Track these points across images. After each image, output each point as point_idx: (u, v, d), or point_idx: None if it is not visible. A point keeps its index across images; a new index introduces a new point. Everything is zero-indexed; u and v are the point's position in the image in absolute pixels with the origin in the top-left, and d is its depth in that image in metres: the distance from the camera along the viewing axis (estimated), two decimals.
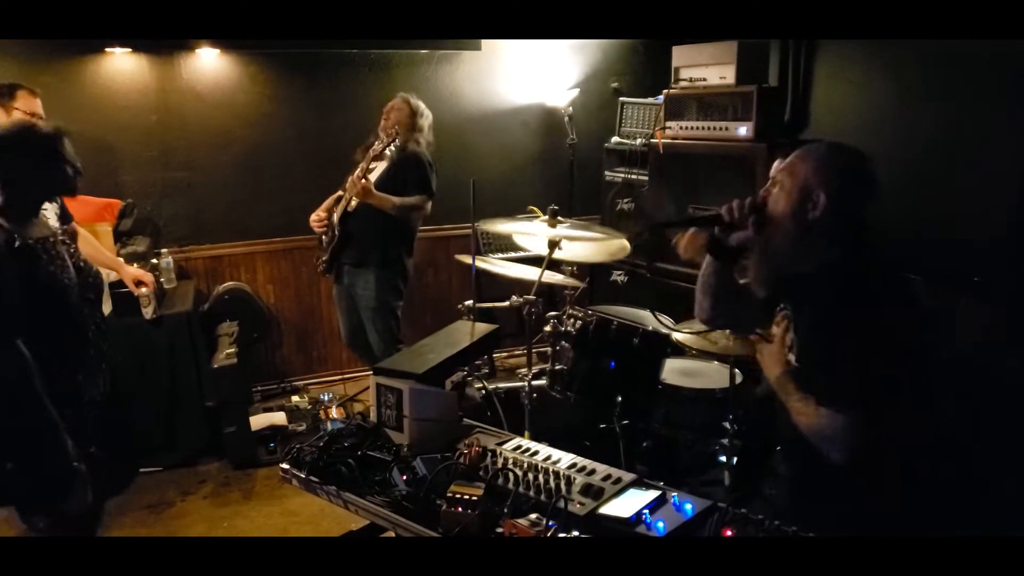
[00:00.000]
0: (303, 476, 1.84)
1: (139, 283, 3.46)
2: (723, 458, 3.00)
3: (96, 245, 3.27)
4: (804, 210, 1.73)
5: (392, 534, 1.80)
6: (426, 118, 3.75)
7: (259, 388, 4.42)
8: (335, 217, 3.69)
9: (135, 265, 3.59)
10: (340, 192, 3.78)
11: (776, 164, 1.89)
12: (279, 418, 4.01)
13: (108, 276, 3.38)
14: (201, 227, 4.31)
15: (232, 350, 3.82)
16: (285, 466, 1.90)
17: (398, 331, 3.81)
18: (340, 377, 4.64)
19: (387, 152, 3.59)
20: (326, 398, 4.19)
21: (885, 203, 1.77)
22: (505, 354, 4.63)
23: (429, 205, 3.72)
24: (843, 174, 1.75)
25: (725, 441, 2.88)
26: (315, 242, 4.06)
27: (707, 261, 2.04)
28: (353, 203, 3.59)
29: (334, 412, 3.73)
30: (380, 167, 3.65)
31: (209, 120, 4.22)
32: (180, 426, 3.71)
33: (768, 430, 2.82)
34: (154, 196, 4.20)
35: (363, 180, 3.48)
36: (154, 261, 3.94)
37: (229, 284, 4.34)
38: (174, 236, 4.24)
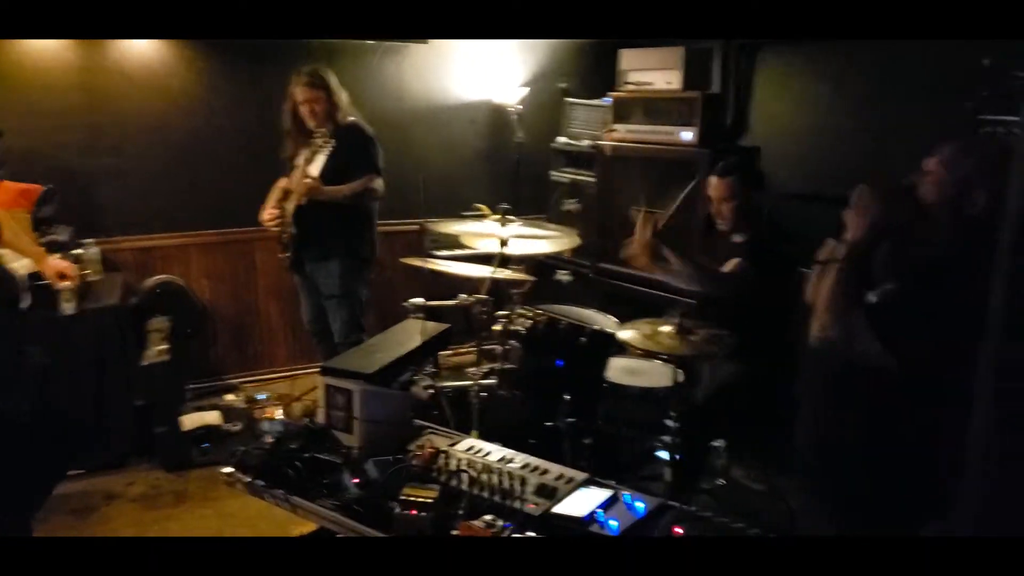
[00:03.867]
0: (248, 480, 1.78)
1: (61, 276, 3.28)
2: (664, 455, 3.05)
3: (16, 231, 3.09)
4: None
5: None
6: (341, 90, 3.63)
7: (192, 386, 4.24)
8: (288, 213, 3.58)
9: (56, 255, 3.41)
10: (283, 182, 3.69)
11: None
12: (213, 417, 3.86)
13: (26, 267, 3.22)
14: (131, 216, 4.11)
15: (163, 347, 3.68)
16: (229, 469, 1.83)
17: (362, 320, 3.76)
18: (278, 376, 4.51)
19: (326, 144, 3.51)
20: (263, 397, 4.11)
21: (818, 207, 1.83)
22: (450, 352, 4.59)
23: (381, 183, 3.63)
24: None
25: (667, 438, 2.93)
26: (252, 236, 3.96)
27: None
28: (303, 200, 3.50)
29: (274, 413, 3.65)
30: (322, 155, 3.54)
31: (141, 105, 4.03)
32: (108, 426, 3.53)
33: (710, 430, 2.89)
34: (80, 182, 3.98)
35: (307, 180, 3.41)
36: (79, 252, 3.74)
37: (161, 277, 4.16)
38: (101, 225, 4.04)
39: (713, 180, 3.01)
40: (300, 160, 3.62)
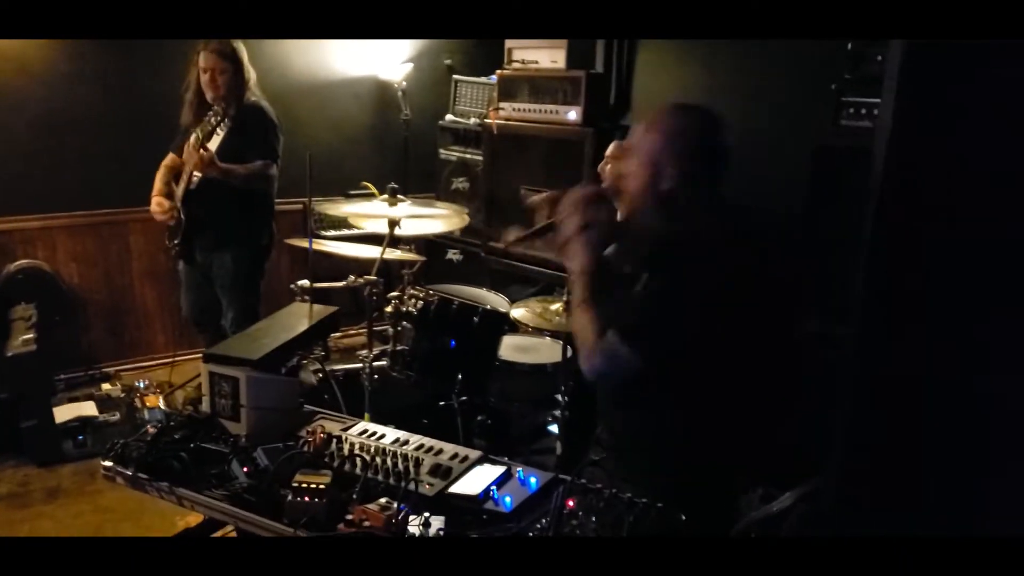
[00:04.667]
0: (129, 473, 1.72)
1: None
2: (554, 428, 3.16)
3: None
4: (656, 183, 1.72)
5: (231, 529, 1.72)
6: (251, 68, 3.45)
7: (63, 377, 4.00)
8: (177, 198, 3.36)
9: None
10: (168, 161, 3.47)
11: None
12: (88, 408, 3.66)
13: None
14: None
15: (29, 336, 3.46)
16: (108, 463, 1.76)
17: (259, 309, 3.58)
18: (157, 362, 4.32)
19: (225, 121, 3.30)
20: (142, 385, 3.93)
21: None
22: (339, 334, 4.53)
23: (275, 170, 3.44)
24: (691, 140, 1.73)
25: (556, 413, 3.03)
26: (125, 217, 3.74)
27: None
28: (195, 179, 3.29)
29: (156, 401, 3.51)
30: (218, 133, 3.33)
31: None
32: None
33: (593, 403, 3.00)
34: None
35: (202, 150, 3.16)
36: None
37: (23, 262, 3.89)
38: None
39: (613, 143, 3.07)
40: (191, 137, 3.43)
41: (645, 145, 1.76)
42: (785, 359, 1.98)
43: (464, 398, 2.90)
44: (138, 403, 3.73)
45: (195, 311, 3.70)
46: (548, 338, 3.29)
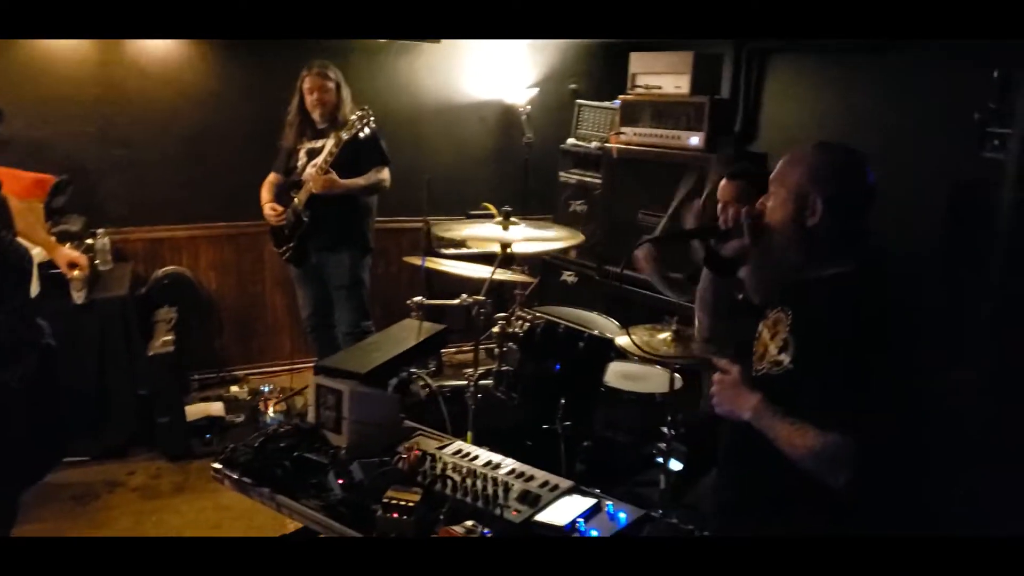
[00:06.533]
0: (235, 477, 1.79)
1: (72, 265, 3.33)
2: (660, 460, 3.04)
3: (31, 222, 3.12)
4: (801, 217, 1.66)
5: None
6: (347, 86, 3.70)
7: (197, 377, 4.29)
8: (299, 205, 3.63)
9: (68, 245, 3.45)
10: (272, 178, 3.76)
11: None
12: (216, 408, 3.91)
13: (38, 255, 3.25)
14: (141, 208, 4.15)
15: (169, 337, 3.71)
16: (217, 465, 1.85)
17: (368, 308, 3.84)
18: (281, 368, 4.54)
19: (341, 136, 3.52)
20: (266, 389, 4.13)
21: None
22: (454, 350, 4.61)
23: (388, 173, 3.71)
24: (837, 176, 1.66)
25: (662, 445, 2.93)
26: (260, 229, 3.97)
27: (704, 276, 1.98)
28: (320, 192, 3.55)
29: (273, 406, 3.67)
30: (326, 147, 3.55)
31: (152, 97, 4.07)
32: (110, 415, 3.57)
33: (708, 447, 2.86)
34: (91, 173, 4.03)
35: (326, 176, 3.47)
36: (89, 242, 3.79)
37: (169, 268, 4.21)
38: (112, 216, 4.08)
39: (723, 182, 2.98)
40: (302, 154, 3.66)
41: (793, 178, 1.69)
42: (929, 410, 1.81)
43: (567, 423, 2.86)
44: (261, 407, 3.92)
45: (311, 311, 3.91)
46: (659, 367, 3.19)
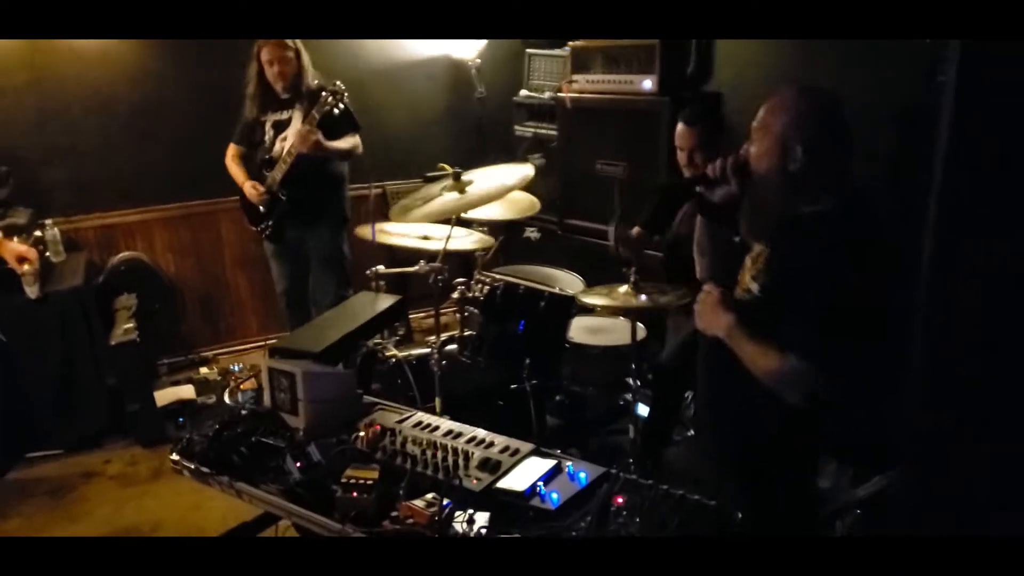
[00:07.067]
0: (193, 467, 1.79)
1: (21, 259, 3.25)
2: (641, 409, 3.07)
3: None
4: (784, 163, 1.74)
5: (288, 523, 1.77)
6: (306, 53, 3.57)
7: (165, 361, 4.25)
8: (275, 181, 3.52)
9: (15, 239, 3.37)
10: (232, 151, 3.65)
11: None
12: (187, 391, 3.88)
13: None
14: (88, 194, 4.04)
15: (130, 325, 3.67)
16: (175, 457, 1.84)
17: (350, 277, 3.78)
18: (252, 346, 4.52)
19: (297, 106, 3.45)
20: (236, 368, 4.11)
21: None
22: (423, 314, 4.59)
23: (359, 140, 3.63)
24: (817, 122, 1.74)
25: (628, 396, 2.96)
26: (215, 208, 3.90)
27: (698, 223, 2.03)
28: (288, 163, 3.44)
29: (250, 384, 3.65)
30: (296, 119, 3.47)
31: (89, 78, 3.93)
32: (79, 407, 3.54)
33: (677, 385, 2.90)
34: (32, 162, 3.90)
35: (313, 136, 3.34)
36: (38, 233, 3.70)
37: (125, 254, 4.13)
38: (59, 205, 3.98)
39: (680, 128, 2.94)
40: (268, 127, 3.56)
41: (775, 127, 1.76)
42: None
43: (535, 382, 2.87)
44: (231, 386, 3.90)
45: (290, 284, 3.84)
46: (622, 319, 3.20)
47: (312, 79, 3.51)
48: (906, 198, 2.72)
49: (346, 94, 3.40)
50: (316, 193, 3.58)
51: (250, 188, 3.57)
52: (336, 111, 3.37)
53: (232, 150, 3.68)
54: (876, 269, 1.70)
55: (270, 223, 3.63)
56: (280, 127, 3.53)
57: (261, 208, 3.60)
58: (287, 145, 3.44)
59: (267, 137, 3.56)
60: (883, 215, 1.82)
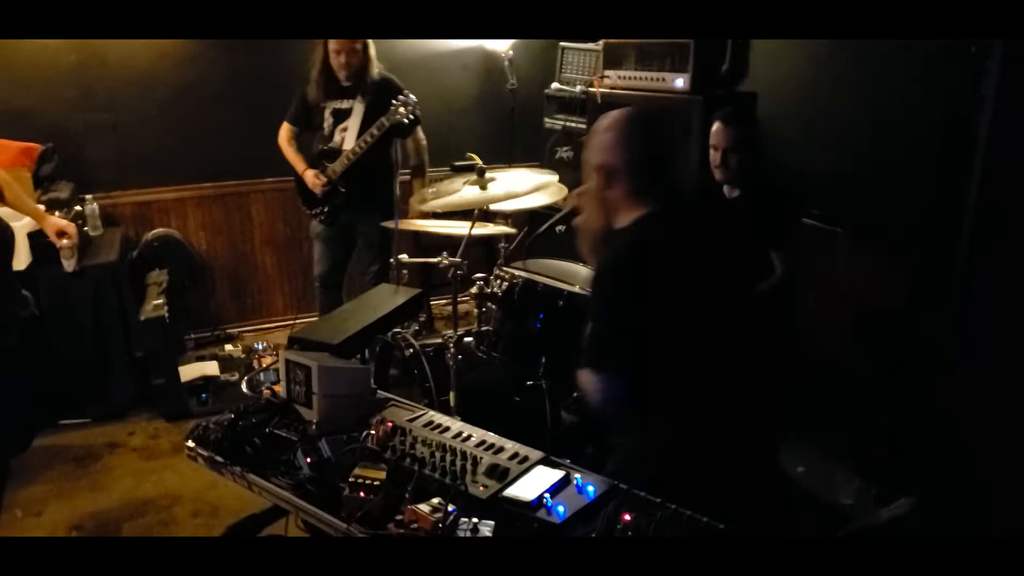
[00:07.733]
0: (207, 455, 1.83)
1: (61, 234, 3.33)
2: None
3: (18, 192, 3.11)
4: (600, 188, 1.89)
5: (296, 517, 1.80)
6: (372, 44, 3.62)
7: (192, 336, 4.35)
8: (335, 173, 3.59)
9: (57, 213, 3.46)
10: (289, 132, 3.71)
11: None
12: (211, 368, 3.97)
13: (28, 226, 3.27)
14: (127, 171, 4.14)
15: (160, 300, 3.75)
16: (190, 444, 1.89)
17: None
18: (276, 324, 4.59)
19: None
20: (260, 347, 4.18)
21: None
22: (444, 301, 4.63)
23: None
24: (614, 146, 1.87)
25: None
26: (247, 188, 3.95)
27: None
28: (351, 159, 3.53)
29: (266, 363, 3.71)
30: (358, 110, 3.54)
31: (132, 59, 4.01)
32: (108, 378, 3.65)
33: None
34: (76, 139, 4.00)
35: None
36: (78, 208, 3.80)
37: (159, 231, 4.22)
38: (99, 181, 4.07)
39: (717, 126, 2.91)
40: (328, 113, 3.61)
41: (587, 156, 1.93)
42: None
43: (551, 380, 2.87)
44: (256, 364, 3.97)
45: (327, 268, 3.90)
46: None
47: (376, 71, 3.56)
48: (944, 200, 2.70)
49: (418, 105, 3.45)
50: (372, 186, 3.66)
51: (312, 177, 3.63)
52: (407, 121, 3.42)
53: (287, 131, 3.72)
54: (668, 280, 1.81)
55: (326, 208, 3.70)
56: (340, 116, 3.58)
57: (318, 194, 3.66)
58: (349, 140, 3.53)
59: (326, 125, 3.61)
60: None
